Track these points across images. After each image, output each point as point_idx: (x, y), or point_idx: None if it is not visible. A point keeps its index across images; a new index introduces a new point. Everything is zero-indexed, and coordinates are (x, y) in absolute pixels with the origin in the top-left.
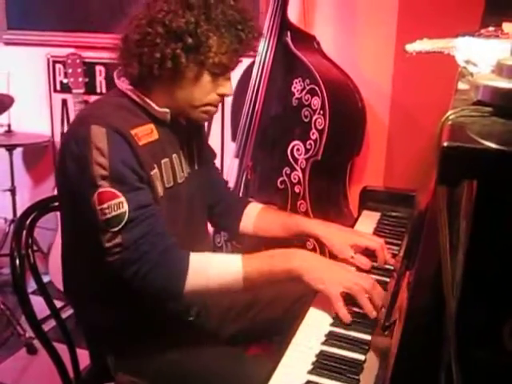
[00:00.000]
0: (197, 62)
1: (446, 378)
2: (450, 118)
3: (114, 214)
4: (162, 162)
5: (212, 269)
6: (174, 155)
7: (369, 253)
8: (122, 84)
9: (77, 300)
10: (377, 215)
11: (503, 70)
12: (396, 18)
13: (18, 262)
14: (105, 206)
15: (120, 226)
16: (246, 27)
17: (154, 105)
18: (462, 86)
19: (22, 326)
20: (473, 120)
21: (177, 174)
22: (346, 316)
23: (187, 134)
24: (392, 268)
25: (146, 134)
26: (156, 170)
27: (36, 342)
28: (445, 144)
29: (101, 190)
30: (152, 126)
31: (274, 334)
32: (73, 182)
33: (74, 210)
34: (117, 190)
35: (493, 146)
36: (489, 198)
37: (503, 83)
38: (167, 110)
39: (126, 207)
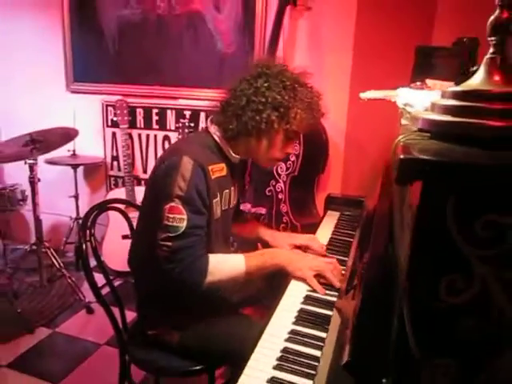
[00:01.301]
0: (283, 128)
1: (398, 322)
2: (401, 140)
3: (174, 224)
4: (224, 192)
5: (224, 268)
6: (232, 188)
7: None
8: (214, 130)
9: (137, 271)
10: (337, 214)
11: (435, 107)
12: (350, 74)
13: (84, 246)
14: (171, 215)
15: (175, 234)
16: (318, 108)
17: (231, 151)
18: (403, 121)
19: (82, 293)
20: (416, 141)
21: (231, 201)
22: (321, 290)
23: (242, 172)
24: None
25: (218, 169)
26: (218, 199)
27: (93, 305)
28: (401, 156)
29: (173, 204)
30: (224, 165)
31: (265, 299)
32: (157, 190)
33: (150, 209)
34: (184, 209)
35: (429, 158)
36: (428, 192)
37: (436, 116)
38: (238, 157)
39: (184, 223)
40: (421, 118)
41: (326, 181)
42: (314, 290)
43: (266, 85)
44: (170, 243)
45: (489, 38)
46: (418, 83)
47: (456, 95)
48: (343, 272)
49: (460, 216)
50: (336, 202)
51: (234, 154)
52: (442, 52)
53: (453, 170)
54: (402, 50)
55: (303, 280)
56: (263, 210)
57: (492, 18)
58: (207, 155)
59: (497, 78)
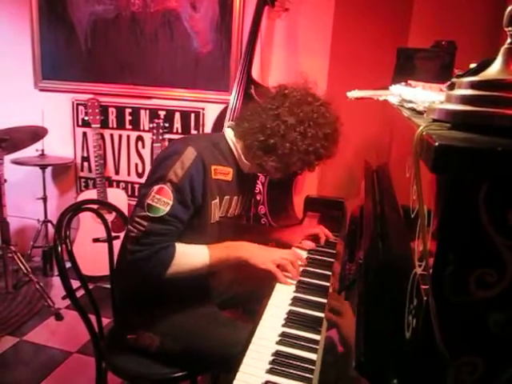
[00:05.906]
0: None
1: (416, 319)
2: (423, 130)
3: (157, 205)
4: (225, 197)
5: (188, 260)
6: (235, 197)
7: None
8: (230, 134)
9: (120, 271)
10: (317, 215)
11: (452, 98)
12: (326, 76)
13: (59, 248)
14: (158, 196)
15: (153, 215)
16: (332, 141)
17: (242, 157)
18: (405, 114)
19: (51, 299)
20: (438, 132)
21: (230, 210)
22: (286, 282)
23: (250, 185)
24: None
25: (223, 172)
26: (217, 201)
27: (62, 311)
28: (436, 144)
29: (164, 186)
30: (231, 170)
31: (248, 302)
32: (152, 171)
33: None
34: (172, 195)
35: (466, 145)
36: (461, 180)
37: (454, 106)
38: (249, 164)
39: (167, 209)
40: (437, 108)
41: (303, 182)
42: (280, 282)
43: (308, 132)
44: (145, 223)
45: (506, 29)
46: (403, 83)
47: (473, 85)
48: (329, 273)
49: (492, 205)
50: (315, 203)
51: (245, 161)
52: (423, 54)
53: (489, 157)
54: (379, 52)
55: (268, 272)
56: None
57: (510, 8)
58: (215, 155)
59: None
